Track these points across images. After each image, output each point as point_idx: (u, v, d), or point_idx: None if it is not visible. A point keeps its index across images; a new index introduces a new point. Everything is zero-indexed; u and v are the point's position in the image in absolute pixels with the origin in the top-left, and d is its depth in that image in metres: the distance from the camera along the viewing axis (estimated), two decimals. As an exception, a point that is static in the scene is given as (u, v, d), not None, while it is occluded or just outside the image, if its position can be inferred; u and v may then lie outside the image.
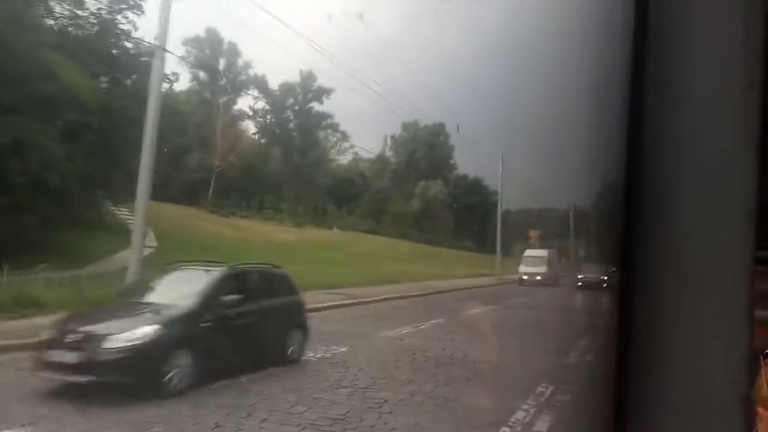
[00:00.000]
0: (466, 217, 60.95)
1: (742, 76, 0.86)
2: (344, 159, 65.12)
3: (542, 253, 35.90)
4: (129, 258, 27.44)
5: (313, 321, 13.56)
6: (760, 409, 1.34)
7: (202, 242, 33.35)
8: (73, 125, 25.91)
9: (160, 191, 48.83)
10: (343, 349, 9.97)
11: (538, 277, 31.32)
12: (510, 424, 6.26)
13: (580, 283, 26.45)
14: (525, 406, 6.80)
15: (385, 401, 6.83)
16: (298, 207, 52.16)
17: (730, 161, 0.85)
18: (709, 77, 0.87)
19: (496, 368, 9.36)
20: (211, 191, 47.34)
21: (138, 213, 12.80)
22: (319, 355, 9.46)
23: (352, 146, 64.66)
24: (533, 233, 49.54)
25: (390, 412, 6.47)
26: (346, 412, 6.42)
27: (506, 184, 48.45)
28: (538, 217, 71.28)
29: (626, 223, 0.87)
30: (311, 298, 16.78)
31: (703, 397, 0.83)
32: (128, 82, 29.57)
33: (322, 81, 53.05)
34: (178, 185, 49.74)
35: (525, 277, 31.78)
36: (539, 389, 7.74)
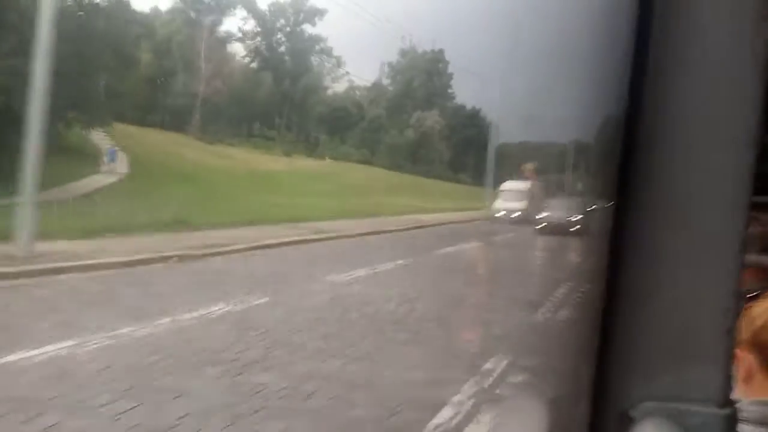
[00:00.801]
0: (463, 149, 58.38)
1: (755, 7, 0.82)
2: (339, 86, 62.11)
3: (522, 185, 30.55)
4: (93, 183, 25.46)
5: (257, 260, 11.52)
6: (738, 351, 1.30)
7: (179, 171, 31.14)
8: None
9: (145, 116, 46.85)
10: (263, 301, 8.00)
11: (516, 214, 26.06)
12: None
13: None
14: (458, 397, 4.83)
15: (257, 392, 4.66)
16: (289, 135, 49.57)
17: (734, 96, 0.82)
18: (718, 7, 0.83)
19: (445, 330, 7.38)
20: (196, 117, 44.66)
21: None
22: (228, 308, 7.43)
23: (347, 73, 61.41)
24: (528, 166, 47.12)
25: (256, 412, 4.28)
26: (185, 414, 4.21)
27: (505, 116, 45.22)
28: (537, 150, 69.09)
29: (621, 160, 0.85)
30: (274, 233, 14.82)
31: (689, 331, 0.83)
32: None
33: (314, 1, 49.36)
34: (164, 110, 47.28)
35: (499, 214, 26.50)
36: (488, 365, 5.77)
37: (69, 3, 28.13)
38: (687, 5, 0.83)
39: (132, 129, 39.44)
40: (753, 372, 1.33)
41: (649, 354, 0.84)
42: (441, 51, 59.35)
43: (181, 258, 10.71)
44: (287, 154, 45.69)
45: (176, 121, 45.65)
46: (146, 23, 49.47)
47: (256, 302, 7.98)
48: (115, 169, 28.19)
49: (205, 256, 11.23)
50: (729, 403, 0.83)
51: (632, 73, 0.85)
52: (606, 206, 0.88)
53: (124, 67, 35.51)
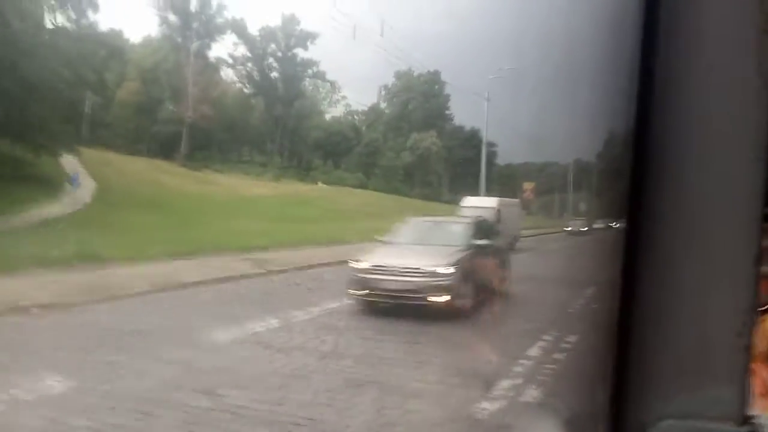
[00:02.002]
0: (463, 170, 55.53)
1: (759, 19, 0.82)
2: (336, 111, 59.93)
3: (487, 202, 23.16)
4: (44, 213, 22.90)
5: (140, 308, 8.73)
6: (755, 366, 1.25)
7: (150, 198, 28.56)
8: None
9: (133, 145, 44.74)
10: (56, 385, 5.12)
11: None
12: None
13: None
14: None
15: None
16: (281, 160, 47.14)
17: (742, 109, 0.82)
18: (723, 19, 0.82)
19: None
20: (183, 143, 42.37)
21: None
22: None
23: (344, 97, 59.25)
24: (528, 185, 44.41)
25: None
26: None
27: (508, 136, 42.49)
28: (541, 171, 66.56)
29: (633, 172, 0.85)
30: (202, 268, 12.08)
31: (706, 348, 0.82)
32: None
33: (306, 25, 47.30)
34: (150, 138, 45.16)
35: None
36: None
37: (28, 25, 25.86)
38: (691, 22, 0.80)
39: (112, 156, 37.16)
40: None
41: (666, 372, 0.82)
42: (437, 72, 57.16)
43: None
44: (277, 179, 43.21)
45: (164, 148, 43.49)
46: (134, 50, 48.05)
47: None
48: (77, 197, 25.64)
49: (69, 305, 8.47)
50: (747, 420, 0.80)
51: (639, 91, 0.82)
52: (616, 224, 0.85)
53: (96, 92, 33.45)
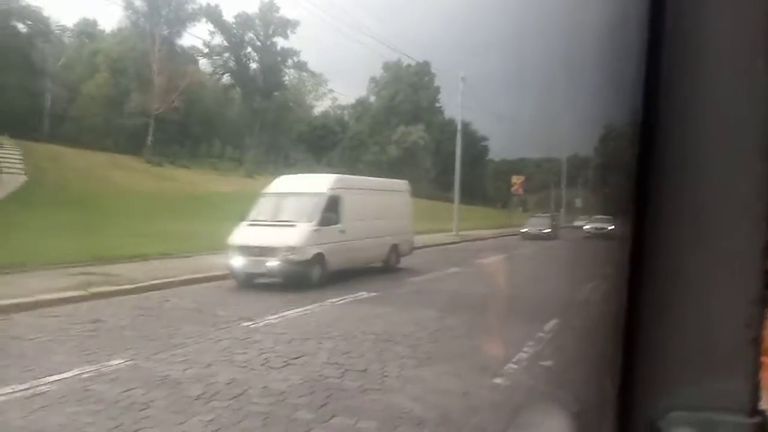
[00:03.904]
0: (452, 166, 51.38)
1: (765, 17, 0.81)
2: (322, 104, 55.98)
3: (313, 183, 12.74)
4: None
5: None
6: (764, 359, 1.13)
7: (79, 196, 24.79)
8: None
9: (100, 139, 41.08)
10: None
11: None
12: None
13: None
14: None
15: None
16: (257, 155, 43.18)
17: (749, 106, 0.81)
18: (730, 17, 0.81)
19: None
20: (149, 137, 38.60)
21: None
22: None
23: (330, 90, 55.25)
24: (516, 179, 40.36)
25: None
26: None
27: (504, 132, 38.26)
28: (538, 167, 62.48)
29: (639, 168, 0.84)
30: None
31: (714, 340, 0.81)
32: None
33: (286, 12, 43.37)
34: (118, 132, 41.38)
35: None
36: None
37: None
38: (697, 20, 0.79)
39: (68, 151, 33.58)
40: None
41: (674, 364, 0.81)
42: (427, 63, 53.10)
43: None
44: (250, 175, 39.30)
45: (133, 143, 39.70)
46: (105, 40, 44.33)
47: None
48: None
49: None
50: (758, 411, 0.79)
51: (645, 87, 0.81)
52: (624, 219, 0.83)
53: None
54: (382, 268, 12.99)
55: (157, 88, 37.68)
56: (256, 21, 44.82)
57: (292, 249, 10.37)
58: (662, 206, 0.80)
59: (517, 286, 11.22)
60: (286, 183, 12.88)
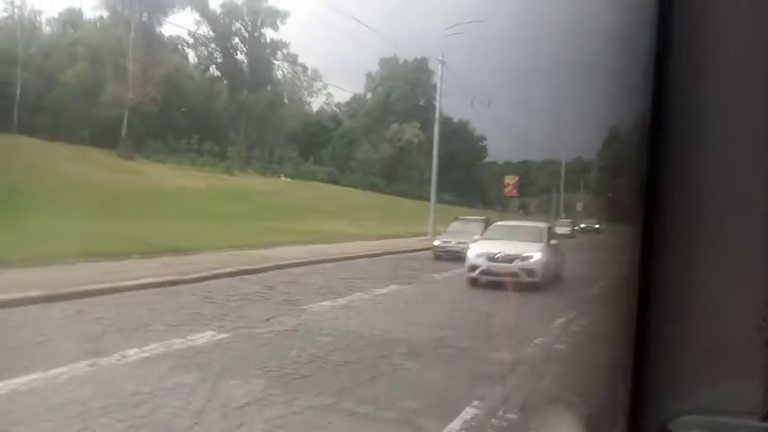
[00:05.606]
0: (448, 166, 47.87)
1: None
2: (316, 101, 52.69)
3: None
4: None
5: None
6: None
7: (18, 191, 21.48)
8: None
9: (76, 131, 38.08)
10: None
11: None
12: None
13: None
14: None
15: None
16: (241, 151, 39.86)
17: (756, 109, 0.80)
18: (736, 20, 0.80)
19: None
20: (124, 129, 35.40)
21: None
22: None
23: (325, 86, 51.87)
24: (510, 179, 36.97)
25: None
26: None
27: (505, 135, 35.10)
28: (540, 170, 59.29)
29: (648, 169, 0.83)
30: None
31: (725, 341, 0.80)
32: None
33: (276, 2, 40.07)
34: (94, 123, 38.22)
35: None
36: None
37: None
38: (705, 23, 0.78)
39: (26, 142, 30.59)
40: None
41: (685, 367, 0.79)
42: (424, 60, 49.49)
43: None
44: (229, 171, 36.05)
45: (108, 135, 36.55)
46: (85, 27, 41.32)
47: None
48: None
49: None
50: None
51: (654, 90, 0.80)
52: (632, 219, 0.82)
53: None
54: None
55: (132, 77, 34.50)
56: (244, 10, 41.57)
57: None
58: (672, 210, 0.77)
59: (459, 318, 7.67)
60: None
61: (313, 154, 46.24)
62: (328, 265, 13.16)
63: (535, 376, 4.91)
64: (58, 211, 19.12)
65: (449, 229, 16.81)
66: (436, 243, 15.78)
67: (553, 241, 11.33)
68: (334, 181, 41.85)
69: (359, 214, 30.02)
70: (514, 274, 10.02)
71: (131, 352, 5.06)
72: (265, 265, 11.84)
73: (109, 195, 23.86)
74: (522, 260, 10.15)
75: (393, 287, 10.07)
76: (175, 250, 13.15)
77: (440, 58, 25.62)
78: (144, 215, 19.71)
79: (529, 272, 10.03)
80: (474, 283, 10.45)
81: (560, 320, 7.24)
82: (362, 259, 14.77)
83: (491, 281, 10.16)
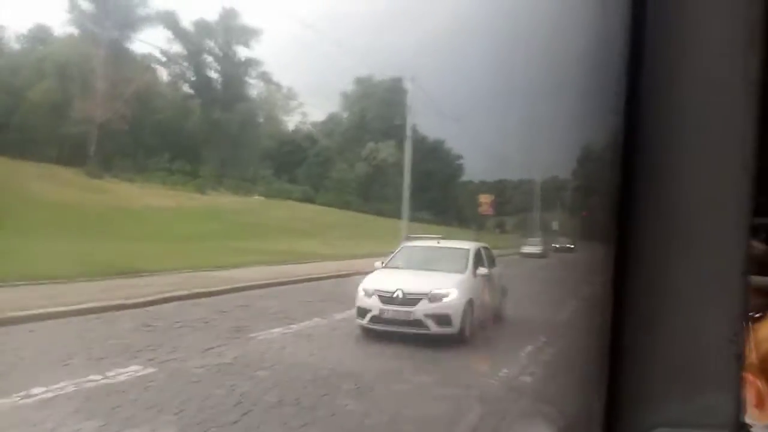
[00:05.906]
0: (425, 184, 47.61)
1: (743, 33, 0.79)
2: (291, 119, 52.22)
3: None
4: None
5: None
6: (748, 376, 1.17)
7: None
8: None
9: (43, 149, 37.03)
10: None
11: None
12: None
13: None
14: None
15: None
16: (216, 169, 39.11)
17: (729, 120, 0.80)
18: (710, 32, 0.79)
19: None
20: (93, 147, 34.41)
21: None
22: None
23: (301, 104, 51.46)
24: (485, 198, 36.91)
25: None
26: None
27: (482, 155, 35.17)
28: (515, 189, 59.60)
29: (622, 184, 0.82)
30: None
31: (698, 355, 0.79)
32: None
33: (249, 20, 39.65)
34: (62, 141, 37.19)
35: None
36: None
37: None
38: (676, 43, 0.78)
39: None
40: (764, 397, 1.14)
41: (659, 380, 0.79)
42: (399, 79, 49.53)
43: None
44: (201, 190, 35.25)
45: (77, 153, 35.58)
46: (54, 43, 40.43)
47: None
48: None
49: None
50: (742, 427, 0.77)
51: (626, 105, 0.80)
52: (605, 236, 0.80)
53: None
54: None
55: (100, 94, 33.68)
56: (217, 28, 41.10)
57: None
58: (645, 227, 0.76)
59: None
60: None
61: (288, 172, 45.67)
62: (291, 286, 12.56)
63: None
64: (14, 231, 18.17)
65: (397, 250, 12.67)
66: (377, 264, 11.31)
67: (482, 270, 8.47)
68: (309, 200, 41.30)
69: (333, 233, 29.51)
70: (417, 323, 7.24)
71: (36, 391, 4.44)
72: (222, 287, 11.20)
73: (73, 214, 22.95)
74: (431, 301, 7.40)
75: (355, 311, 9.52)
76: (129, 272, 12.45)
77: (411, 76, 25.53)
78: (106, 235, 18.90)
79: (440, 319, 7.33)
80: (368, 334, 7.75)
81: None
82: (329, 280, 14.17)
83: (389, 332, 7.43)
